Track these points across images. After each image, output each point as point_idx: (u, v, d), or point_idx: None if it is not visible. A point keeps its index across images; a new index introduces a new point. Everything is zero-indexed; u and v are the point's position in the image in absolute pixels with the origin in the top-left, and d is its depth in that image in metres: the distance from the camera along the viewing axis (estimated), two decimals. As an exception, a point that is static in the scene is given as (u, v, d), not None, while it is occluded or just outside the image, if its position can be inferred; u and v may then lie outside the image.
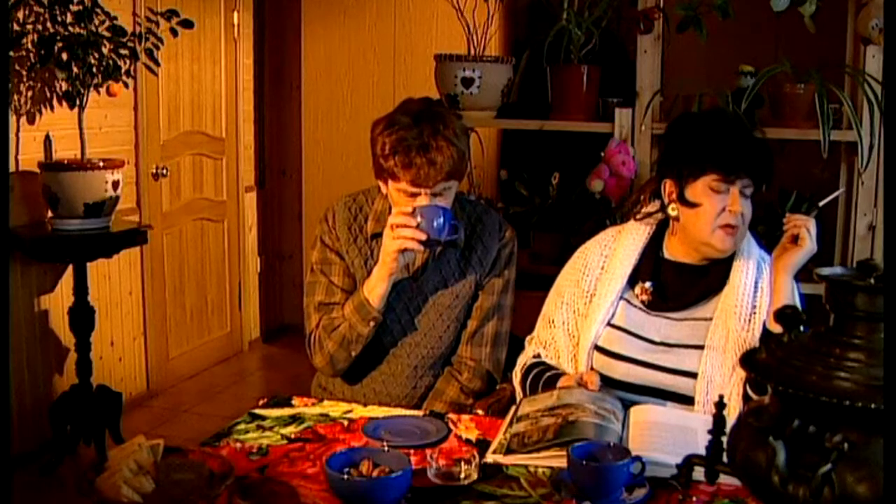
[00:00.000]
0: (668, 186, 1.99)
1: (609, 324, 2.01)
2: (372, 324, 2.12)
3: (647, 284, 2.01)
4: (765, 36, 3.70)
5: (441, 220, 2.03)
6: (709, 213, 1.92)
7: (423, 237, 2.02)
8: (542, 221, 3.17)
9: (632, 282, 2.03)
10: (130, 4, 3.84)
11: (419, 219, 2.01)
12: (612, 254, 2.07)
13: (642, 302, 2.01)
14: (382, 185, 2.13)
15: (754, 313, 1.93)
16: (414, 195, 2.04)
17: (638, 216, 2.10)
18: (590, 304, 2.05)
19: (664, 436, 1.71)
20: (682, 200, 1.95)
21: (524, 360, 2.12)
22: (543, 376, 2.02)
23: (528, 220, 3.17)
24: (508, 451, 1.68)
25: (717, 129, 1.96)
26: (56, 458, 3.41)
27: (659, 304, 2.00)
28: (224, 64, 4.77)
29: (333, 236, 2.21)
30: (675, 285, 2.00)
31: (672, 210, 1.98)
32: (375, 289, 2.10)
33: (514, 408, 1.90)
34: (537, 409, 1.81)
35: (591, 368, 2.00)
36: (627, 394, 1.93)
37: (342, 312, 2.14)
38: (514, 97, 3.44)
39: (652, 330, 1.99)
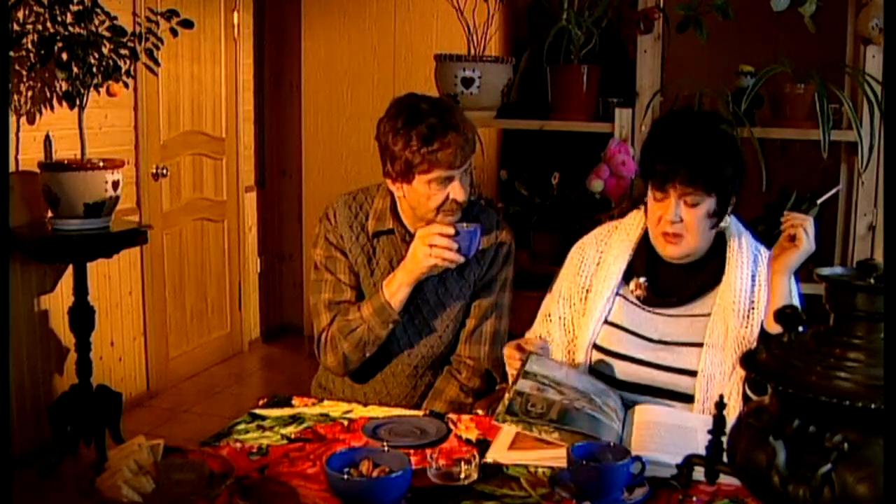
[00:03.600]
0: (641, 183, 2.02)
1: (607, 321, 2.02)
2: (391, 326, 2.13)
3: (642, 280, 2.01)
4: (765, 36, 3.70)
5: (475, 241, 2.05)
6: (651, 218, 1.94)
7: (462, 260, 2.04)
8: (541, 221, 3.17)
9: (627, 278, 2.04)
10: (130, 4, 3.84)
11: (458, 242, 2.02)
12: (607, 249, 2.08)
13: (637, 297, 2.01)
14: (400, 188, 2.09)
15: (752, 308, 1.93)
16: (448, 180, 2.04)
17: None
18: (586, 300, 2.05)
19: (664, 436, 1.71)
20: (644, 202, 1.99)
21: None
22: None
23: (527, 219, 3.17)
24: (510, 411, 1.68)
25: (667, 135, 1.95)
26: (56, 459, 3.40)
27: (654, 299, 2.00)
28: (224, 64, 4.77)
29: (337, 234, 2.21)
30: (669, 280, 2.01)
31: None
32: (397, 294, 2.10)
33: (524, 362, 1.85)
34: (545, 374, 1.80)
35: (590, 366, 2.00)
36: (627, 393, 1.94)
37: (360, 314, 2.13)
38: (514, 97, 3.44)
39: (650, 327, 1.99)
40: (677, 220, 1.89)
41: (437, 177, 2.03)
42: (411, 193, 2.09)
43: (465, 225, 2.06)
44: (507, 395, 1.74)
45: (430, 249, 2.02)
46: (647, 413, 1.82)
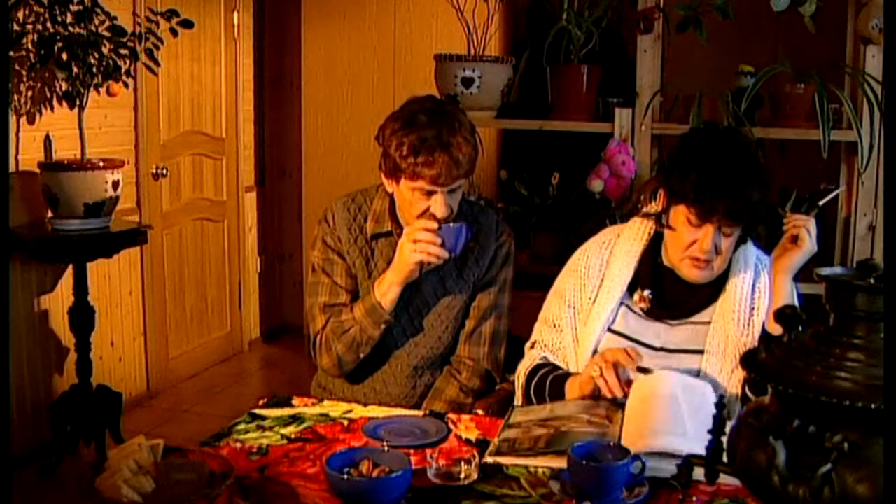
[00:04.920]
0: (660, 197, 1.97)
1: (609, 329, 2.01)
2: (383, 327, 2.13)
3: (647, 293, 1.99)
4: (765, 36, 3.70)
5: (461, 238, 2.05)
6: (681, 240, 1.90)
7: (446, 255, 2.04)
8: (541, 221, 3.17)
9: (631, 288, 2.02)
10: (130, 4, 3.84)
11: (443, 237, 2.02)
12: (611, 258, 2.06)
13: (641, 309, 2.01)
14: (391, 184, 2.11)
15: (753, 315, 1.93)
16: (430, 193, 2.04)
17: (639, 214, 2.09)
18: (591, 309, 2.04)
19: (676, 409, 1.70)
20: (666, 216, 1.94)
21: (528, 363, 2.09)
22: (550, 376, 2.00)
23: (527, 219, 3.17)
24: (498, 453, 1.68)
25: (711, 163, 1.85)
26: (56, 459, 3.40)
27: (659, 312, 1.99)
28: (224, 64, 4.77)
29: (335, 237, 2.21)
30: (674, 293, 1.99)
31: (662, 219, 1.97)
32: (388, 294, 2.10)
33: (507, 415, 1.89)
34: (530, 419, 1.80)
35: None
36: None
37: (352, 315, 2.14)
38: (514, 97, 3.44)
39: (651, 335, 1.98)
40: (713, 249, 1.87)
41: (420, 187, 2.04)
42: (398, 193, 2.11)
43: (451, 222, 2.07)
44: (495, 441, 1.74)
45: (415, 245, 2.03)
46: (648, 385, 1.80)
